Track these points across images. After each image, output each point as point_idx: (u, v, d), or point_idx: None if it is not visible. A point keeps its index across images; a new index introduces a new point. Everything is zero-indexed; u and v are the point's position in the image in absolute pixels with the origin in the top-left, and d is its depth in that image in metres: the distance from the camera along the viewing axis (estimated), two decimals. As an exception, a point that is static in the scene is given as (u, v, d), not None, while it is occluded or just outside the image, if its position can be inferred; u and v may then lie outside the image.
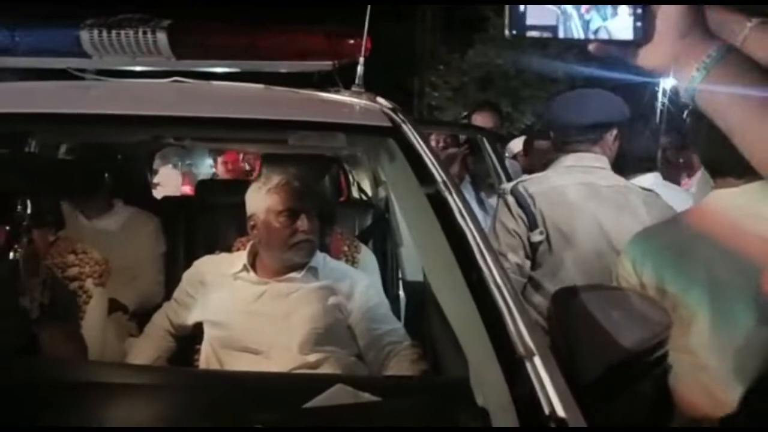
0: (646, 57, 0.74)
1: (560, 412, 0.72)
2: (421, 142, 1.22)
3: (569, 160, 1.85)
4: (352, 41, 1.69)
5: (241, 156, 4.49)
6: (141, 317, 2.09)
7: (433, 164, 1.15)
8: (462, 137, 2.94)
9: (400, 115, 1.36)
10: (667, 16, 0.72)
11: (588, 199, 1.77)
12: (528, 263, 1.78)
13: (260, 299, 1.72)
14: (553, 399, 0.73)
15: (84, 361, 1.38)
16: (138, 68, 1.90)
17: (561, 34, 0.78)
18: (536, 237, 1.76)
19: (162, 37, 1.72)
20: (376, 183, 2.25)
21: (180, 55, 1.80)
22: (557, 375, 0.77)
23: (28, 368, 1.08)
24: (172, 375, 1.30)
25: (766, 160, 0.68)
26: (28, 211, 1.17)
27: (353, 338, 1.72)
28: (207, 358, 1.69)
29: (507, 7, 0.78)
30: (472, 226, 0.98)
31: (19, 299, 1.19)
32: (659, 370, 1.09)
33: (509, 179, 2.89)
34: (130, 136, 1.32)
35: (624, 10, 0.76)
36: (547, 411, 0.72)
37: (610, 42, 0.76)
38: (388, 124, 1.30)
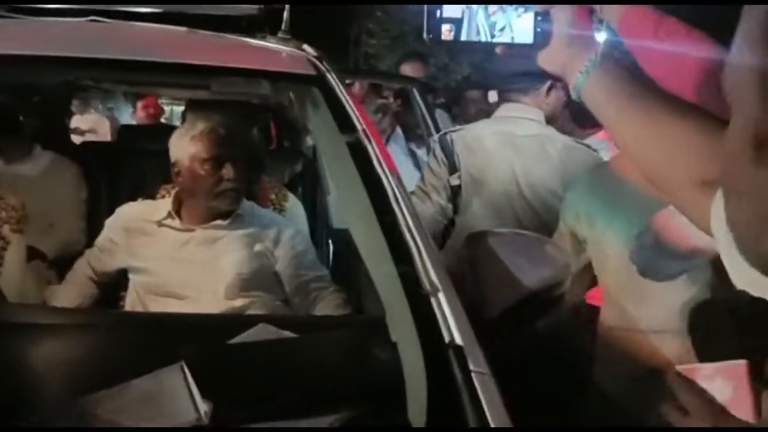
0: (541, 59, 0.85)
1: (458, 340, 0.79)
2: (344, 92, 1.25)
3: (501, 110, 1.96)
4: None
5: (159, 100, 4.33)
6: (61, 265, 2.05)
7: (354, 113, 1.18)
8: (394, 87, 2.96)
9: (325, 64, 1.38)
10: (557, 27, 0.82)
11: (503, 147, 1.88)
12: (450, 206, 1.92)
13: (186, 246, 1.73)
14: (453, 329, 0.81)
15: (7, 302, 1.37)
16: (53, 6, 1.81)
17: (464, 34, 0.87)
18: (455, 181, 1.89)
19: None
20: (304, 131, 2.26)
21: (99, -8, 1.73)
22: (459, 309, 0.84)
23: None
24: (96, 315, 1.31)
25: (634, 154, 0.77)
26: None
27: (280, 284, 1.76)
28: (132, 303, 1.70)
29: (426, 9, 0.86)
30: (388, 174, 1.04)
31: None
32: (556, 308, 1.19)
33: (438, 130, 2.97)
34: (47, 78, 1.27)
35: (528, 15, 0.86)
36: (447, 339, 0.79)
37: (513, 45, 0.87)
38: (313, 72, 1.32)
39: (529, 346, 1.30)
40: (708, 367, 0.89)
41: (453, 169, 1.89)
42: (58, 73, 1.23)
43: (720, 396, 0.87)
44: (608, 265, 1.47)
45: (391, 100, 2.92)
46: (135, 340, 1.03)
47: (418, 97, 2.76)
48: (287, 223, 1.87)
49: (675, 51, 1.16)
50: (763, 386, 0.88)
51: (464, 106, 3.44)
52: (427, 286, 0.86)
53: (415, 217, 0.96)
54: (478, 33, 0.89)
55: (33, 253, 2.04)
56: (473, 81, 3.39)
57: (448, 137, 1.92)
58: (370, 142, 1.11)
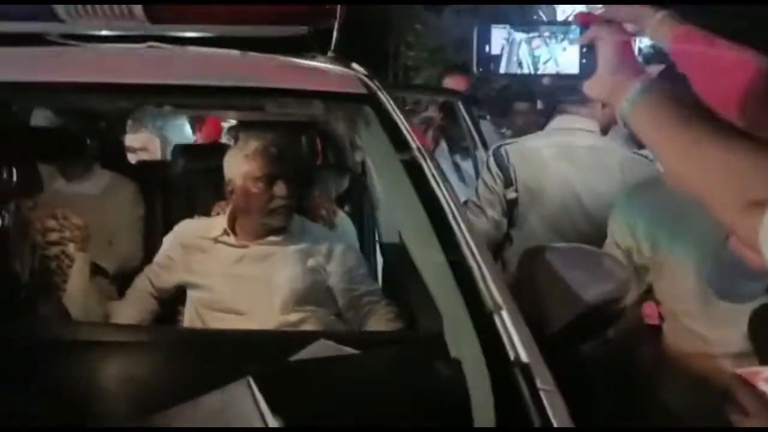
0: (588, 88, 0.89)
1: (524, 358, 0.79)
2: (396, 110, 1.27)
3: (555, 122, 1.94)
4: (327, 6, 1.70)
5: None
6: (120, 281, 2.13)
7: (407, 131, 1.20)
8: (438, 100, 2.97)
9: (376, 83, 1.40)
10: (603, 56, 0.86)
11: (560, 159, 1.85)
12: (505, 221, 1.89)
13: (241, 262, 1.77)
14: (518, 347, 0.81)
15: (77, 321, 1.42)
16: (110, 33, 1.89)
17: (503, 67, 0.92)
18: (511, 194, 1.87)
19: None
20: (352, 147, 2.29)
21: (155, 20, 1.79)
22: (522, 326, 0.84)
23: (19, 330, 1.12)
24: (159, 333, 1.35)
25: (681, 179, 0.80)
26: (14, 178, 1.19)
27: (333, 299, 1.79)
28: (191, 319, 1.74)
29: (474, 46, 0.92)
30: (444, 191, 1.04)
31: (9, 264, 1.22)
32: (619, 322, 1.17)
33: (484, 143, 2.95)
34: (108, 103, 1.34)
35: (573, 47, 0.90)
36: (512, 357, 0.79)
37: (559, 76, 0.91)
38: (364, 91, 1.35)
39: (589, 363, 1.28)
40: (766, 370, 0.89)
41: (508, 182, 1.86)
42: (120, 99, 1.29)
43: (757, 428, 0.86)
44: (676, 288, 1.38)
45: (435, 113, 2.92)
46: (199, 356, 1.06)
47: (463, 110, 2.76)
48: (338, 238, 1.90)
49: (724, 67, 1.16)
50: None
51: (511, 118, 3.42)
52: (490, 303, 0.86)
53: (474, 234, 0.97)
54: (520, 65, 0.94)
55: (95, 270, 2.12)
56: (523, 92, 3.38)
57: (502, 150, 1.90)
58: (425, 159, 1.12)
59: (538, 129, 2.07)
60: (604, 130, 1.90)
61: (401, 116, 1.23)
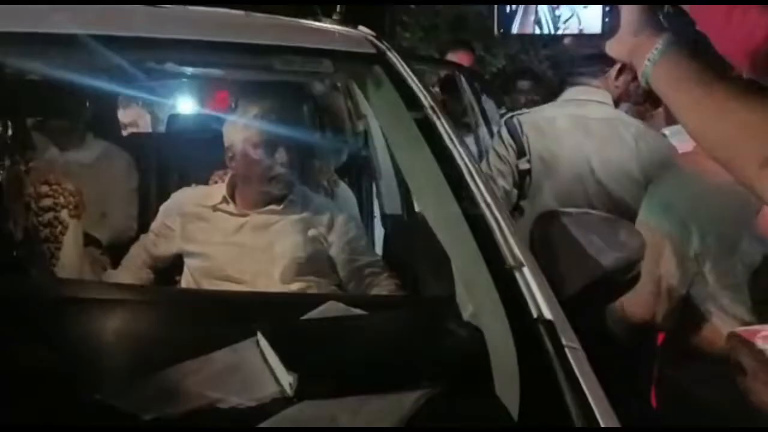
0: (610, 48, 0.88)
1: (547, 314, 0.76)
2: (407, 69, 1.23)
3: (568, 93, 1.91)
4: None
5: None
6: (114, 252, 2.08)
7: (420, 89, 1.16)
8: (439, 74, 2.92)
9: (385, 43, 1.36)
10: (624, 16, 0.85)
11: (575, 130, 1.83)
12: (515, 192, 1.87)
13: (241, 230, 1.73)
14: (541, 304, 0.78)
15: (73, 279, 1.38)
16: None
17: (523, 27, 0.90)
18: (524, 165, 1.84)
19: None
20: (355, 117, 2.24)
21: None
22: (544, 283, 0.81)
23: (13, 286, 1.08)
24: (163, 293, 1.31)
25: (700, 138, 0.81)
26: (9, 132, 1.14)
27: (333, 269, 1.75)
28: (188, 287, 1.70)
29: (496, 6, 0.89)
30: (459, 148, 1.01)
31: (2, 221, 1.17)
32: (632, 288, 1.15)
33: (486, 119, 2.91)
34: (102, 58, 1.28)
35: (593, 6, 0.88)
36: (535, 314, 0.77)
37: (582, 35, 0.90)
38: (373, 50, 1.30)
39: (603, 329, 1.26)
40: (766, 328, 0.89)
41: (521, 152, 1.84)
42: (116, 53, 1.24)
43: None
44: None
45: (437, 87, 2.87)
46: (205, 317, 1.03)
47: (464, 84, 2.70)
48: (340, 208, 1.86)
49: (746, 29, 1.16)
50: None
51: (513, 96, 3.38)
52: (511, 260, 0.83)
53: (492, 192, 0.93)
54: (539, 25, 0.91)
55: (88, 240, 2.07)
56: (525, 70, 3.36)
57: (515, 120, 1.88)
58: (438, 118, 1.08)
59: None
60: (616, 103, 1.88)
61: (413, 75, 1.19)
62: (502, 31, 0.90)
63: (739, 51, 1.23)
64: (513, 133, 1.86)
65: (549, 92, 3.52)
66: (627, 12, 0.86)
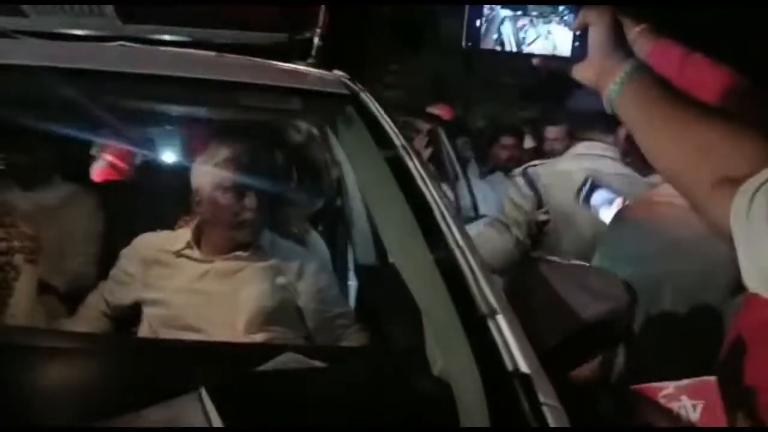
0: (577, 72, 0.89)
1: (523, 367, 0.69)
2: (380, 109, 1.19)
3: (579, 147, 1.92)
4: (309, 13, 1.64)
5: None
6: (72, 299, 1.97)
7: (392, 130, 1.11)
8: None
9: (358, 84, 1.32)
10: (594, 40, 0.86)
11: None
12: (529, 242, 1.85)
13: (205, 277, 1.64)
14: (517, 356, 0.70)
15: (17, 326, 1.27)
16: (80, 32, 1.79)
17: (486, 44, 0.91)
18: (542, 216, 1.84)
19: (107, -4, 1.62)
20: (329, 165, 2.20)
21: (126, 19, 1.70)
22: (520, 333, 0.74)
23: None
24: (108, 340, 1.21)
25: (659, 163, 0.81)
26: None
27: (302, 320, 1.66)
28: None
29: (465, 20, 0.90)
30: (432, 189, 0.95)
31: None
32: (618, 345, 1.08)
33: (465, 174, 2.90)
34: (67, 91, 1.23)
35: (563, 29, 0.90)
36: (510, 367, 0.69)
37: (552, 58, 0.90)
38: (346, 91, 1.26)
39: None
40: (670, 385, 0.83)
41: (539, 204, 1.84)
42: (82, 87, 1.18)
43: (689, 416, 0.80)
44: None
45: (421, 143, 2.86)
46: (151, 366, 0.93)
47: (444, 138, 2.69)
48: (310, 256, 1.78)
49: (699, 89, 1.19)
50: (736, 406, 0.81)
51: (495, 152, 3.38)
52: (484, 308, 0.76)
53: (465, 235, 0.87)
54: (501, 44, 0.92)
55: (44, 288, 1.96)
56: (509, 125, 3.41)
57: (530, 171, 1.89)
58: (411, 158, 1.03)
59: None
60: (623, 158, 1.89)
61: (385, 116, 1.15)
62: (470, 45, 0.91)
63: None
64: (531, 184, 1.86)
65: (532, 149, 3.56)
66: (596, 36, 0.86)
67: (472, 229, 1.87)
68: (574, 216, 1.82)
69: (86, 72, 1.17)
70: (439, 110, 3.17)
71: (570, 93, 2.00)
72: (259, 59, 1.50)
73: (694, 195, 0.75)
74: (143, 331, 1.62)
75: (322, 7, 1.62)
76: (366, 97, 1.24)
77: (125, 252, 1.76)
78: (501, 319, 0.75)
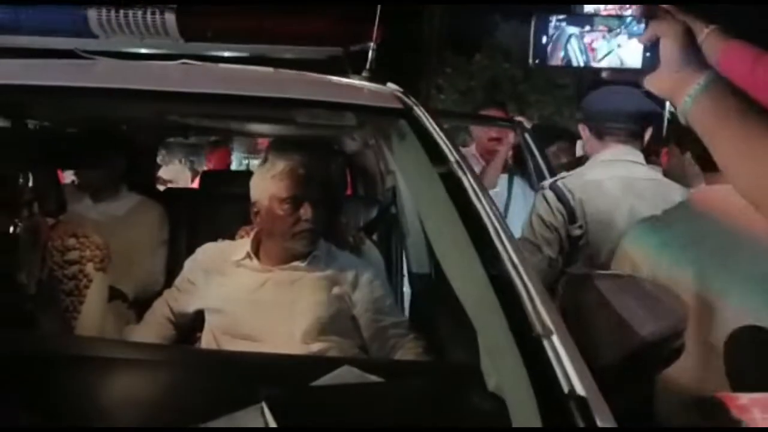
0: (649, 83, 0.88)
1: (580, 390, 0.68)
2: (434, 124, 1.19)
3: (608, 153, 1.85)
4: (363, 27, 1.66)
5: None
6: (140, 306, 2.06)
7: (446, 145, 1.12)
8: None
9: (411, 99, 1.33)
10: (666, 52, 0.85)
11: (626, 193, 1.77)
12: (561, 260, 1.79)
13: (263, 287, 1.69)
14: (573, 377, 0.70)
15: (85, 336, 1.35)
16: (146, 50, 1.88)
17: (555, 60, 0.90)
18: (576, 231, 1.77)
19: (170, 18, 1.70)
20: (383, 176, 2.22)
21: (188, 37, 1.78)
22: (576, 354, 0.73)
23: (22, 341, 1.05)
24: (171, 352, 1.27)
25: (735, 175, 0.81)
26: (30, 184, 1.14)
27: (357, 329, 1.68)
28: (208, 344, 1.65)
29: (531, 36, 0.89)
30: (486, 205, 0.95)
31: (16, 273, 1.15)
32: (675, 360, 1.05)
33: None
34: (134, 111, 1.30)
35: (632, 42, 0.88)
36: (566, 389, 0.69)
37: (623, 70, 0.89)
38: (400, 106, 1.28)
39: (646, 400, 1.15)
40: (744, 397, 0.79)
41: (572, 218, 1.77)
42: (148, 106, 1.24)
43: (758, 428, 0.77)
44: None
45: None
46: (214, 379, 0.97)
47: (532, 145, 2.64)
48: (365, 266, 1.80)
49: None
50: None
51: (552, 155, 3.31)
52: (539, 328, 0.75)
53: (520, 253, 0.87)
54: (569, 60, 0.91)
55: (114, 293, 2.06)
56: (561, 131, 3.35)
57: (560, 185, 1.81)
58: (465, 173, 1.03)
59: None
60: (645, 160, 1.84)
61: (439, 130, 1.15)
62: (537, 61, 0.90)
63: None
64: (562, 199, 1.79)
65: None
66: (668, 48, 0.85)
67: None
68: (610, 227, 1.74)
69: (151, 93, 1.23)
70: (493, 113, 3.13)
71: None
72: (314, 74, 1.54)
73: None
74: (206, 338, 1.68)
75: (376, 20, 1.64)
76: (419, 111, 1.25)
77: (189, 261, 1.83)
78: (556, 339, 0.74)
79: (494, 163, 2.78)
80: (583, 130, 1.96)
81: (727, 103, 0.80)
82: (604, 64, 0.88)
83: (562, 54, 0.88)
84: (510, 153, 2.84)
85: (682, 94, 0.82)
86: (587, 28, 0.87)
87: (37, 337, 1.19)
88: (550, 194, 1.82)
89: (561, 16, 0.87)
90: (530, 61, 0.90)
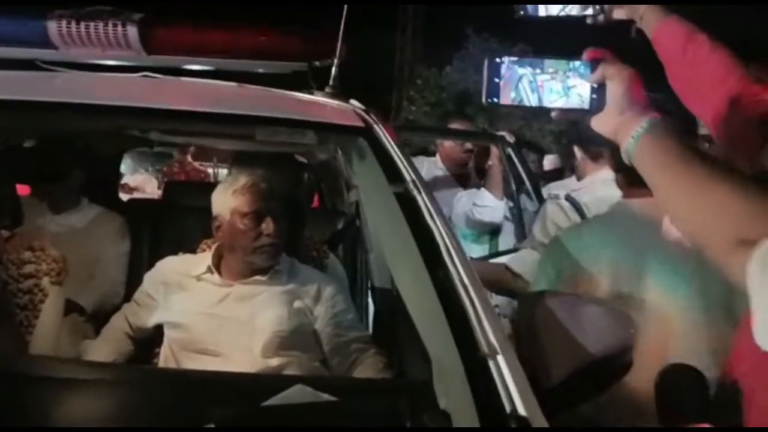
0: (595, 124, 0.91)
1: (521, 410, 0.70)
2: (392, 143, 1.21)
3: (605, 174, 1.90)
4: (327, 43, 1.68)
5: None
6: (99, 320, 2.03)
7: (403, 164, 1.14)
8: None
9: (372, 116, 1.35)
10: (612, 94, 0.88)
11: None
12: None
13: (224, 301, 1.68)
14: (515, 397, 0.72)
15: (38, 355, 1.32)
16: (107, 62, 1.86)
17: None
18: None
19: (132, 30, 1.68)
20: (347, 189, 2.23)
21: (151, 50, 1.76)
22: (520, 374, 0.75)
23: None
24: (127, 372, 1.25)
25: (674, 213, 0.85)
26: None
27: (318, 344, 1.69)
28: (166, 360, 1.64)
29: (485, 76, 0.92)
30: (440, 225, 0.97)
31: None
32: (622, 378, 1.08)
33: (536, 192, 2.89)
34: (93, 125, 1.29)
35: (581, 83, 0.91)
36: (508, 409, 0.70)
37: (570, 110, 0.93)
38: (360, 124, 1.29)
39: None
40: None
41: None
42: (107, 122, 1.23)
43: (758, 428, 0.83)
44: (674, 334, 1.31)
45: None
46: (166, 398, 0.96)
47: (515, 159, 2.70)
48: (328, 280, 1.80)
49: (698, 62, 1.27)
50: None
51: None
52: (485, 347, 0.77)
53: (471, 272, 0.89)
54: (520, 100, 0.93)
55: (71, 307, 2.02)
56: (533, 143, 3.42)
57: (574, 196, 1.92)
58: (420, 192, 1.05)
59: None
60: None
61: (397, 149, 1.17)
62: (489, 101, 0.92)
63: (693, 95, 1.29)
64: (577, 209, 1.88)
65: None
66: (614, 91, 0.88)
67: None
68: None
69: (111, 107, 1.22)
70: (459, 125, 3.17)
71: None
72: (277, 90, 1.54)
73: (712, 252, 0.78)
74: (164, 353, 1.66)
75: (339, 36, 1.65)
76: (379, 130, 1.27)
77: (148, 275, 1.81)
78: (501, 359, 0.76)
79: (493, 179, 2.82)
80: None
81: (668, 144, 0.83)
82: (555, 104, 0.91)
83: (513, 94, 0.90)
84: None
85: (626, 135, 0.85)
86: (537, 70, 0.90)
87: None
88: (566, 204, 1.92)
89: (513, 59, 0.90)
90: (483, 99, 0.92)
